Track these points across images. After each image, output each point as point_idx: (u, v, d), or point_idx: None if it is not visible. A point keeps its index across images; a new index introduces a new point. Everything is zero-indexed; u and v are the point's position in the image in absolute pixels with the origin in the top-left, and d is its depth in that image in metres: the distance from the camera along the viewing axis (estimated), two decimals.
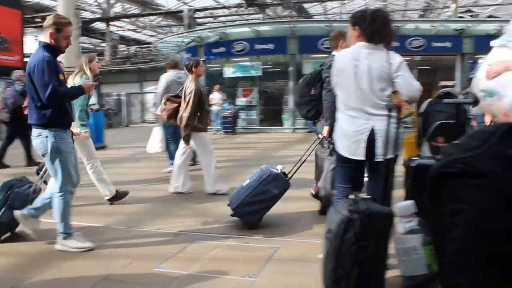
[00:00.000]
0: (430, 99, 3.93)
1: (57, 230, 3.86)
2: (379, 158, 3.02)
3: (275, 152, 11.07)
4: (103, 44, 34.68)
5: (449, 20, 19.98)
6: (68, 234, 3.84)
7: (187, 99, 5.87)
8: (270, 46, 17.64)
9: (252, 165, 7.80)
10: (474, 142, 1.13)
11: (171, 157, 7.33)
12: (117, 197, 5.51)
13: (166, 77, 7.86)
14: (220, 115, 17.40)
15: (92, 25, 31.30)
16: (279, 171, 4.50)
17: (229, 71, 18.98)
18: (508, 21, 4.19)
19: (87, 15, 29.71)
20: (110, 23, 31.08)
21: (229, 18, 32.64)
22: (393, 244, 1.34)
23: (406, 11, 33.29)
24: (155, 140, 7.92)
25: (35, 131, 3.80)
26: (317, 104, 4.75)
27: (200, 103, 5.91)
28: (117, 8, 31.18)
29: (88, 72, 5.38)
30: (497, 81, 3.43)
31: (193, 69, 6.06)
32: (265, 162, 8.12)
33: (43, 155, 3.84)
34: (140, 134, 17.46)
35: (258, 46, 17.80)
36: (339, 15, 29.78)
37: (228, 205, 4.48)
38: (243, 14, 30.92)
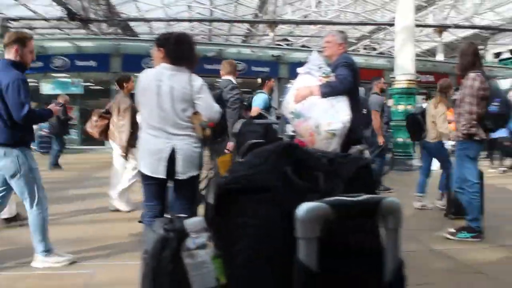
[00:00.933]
0: (244, 120, 4.17)
1: (35, 250, 3.81)
2: (180, 176, 3.16)
3: (96, 173, 10.56)
4: None
5: (268, 47, 21.52)
6: (48, 250, 3.81)
7: (123, 116, 5.69)
8: (93, 63, 16.93)
9: (72, 187, 7.41)
10: (257, 160, 1.22)
11: None
12: None
13: None
14: (36, 134, 16.04)
15: None
16: None
17: (47, 87, 17.67)
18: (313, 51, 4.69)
19: None
20: None
21: (48, 31, 30.55)
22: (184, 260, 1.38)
23: (229, 36, 34.97)
24: None
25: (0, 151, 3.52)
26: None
27: (134, 119, 5.66)
28: None
29: None
30: (303, 104, 3.80)
31: (125, 84, 5.88)
32: (87, 183, 7.81)
33: (12, 176, 3.62)
34: None
35: (79, 63, 16.95)
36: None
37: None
38: (65, 28, 29.22)
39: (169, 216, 2.84)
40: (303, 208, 0.98)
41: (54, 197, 5.89)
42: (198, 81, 3.26)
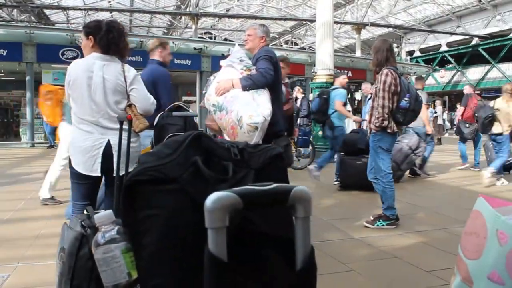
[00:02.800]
0: (162, 113, 4.08)
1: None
2: (116, 173, 2.95)
3: (10, 169, 9.95)
4: None
5: (190, 40, 21.29)
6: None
7: None
8: (3, 52, 15.86)
9: None
10: (166, 150, 1.20)
11: None
12: None
13: None
14: None
15: None
16: None
17: None
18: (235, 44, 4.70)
19: None
20: None
21: None
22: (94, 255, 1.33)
23: (150, 28, 34.26)
24: None
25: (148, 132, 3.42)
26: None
27: None
28: None
29: None
30: (225, 97, 3.78)
31: None
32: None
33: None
34: None
35: None
36: (82, 25, 28.79)
37: None
38: None
39: (86, 212, 2.69)
40: (211, 198, 0.97)
41: None
42: (131, 71, 3.10)
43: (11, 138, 17.40)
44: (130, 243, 1.24)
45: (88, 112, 2.98)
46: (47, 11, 28.81)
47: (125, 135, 2.91)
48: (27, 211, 5.64)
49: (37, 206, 5.85)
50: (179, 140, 1.20)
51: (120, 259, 1.24)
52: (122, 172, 2.94)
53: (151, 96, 3.26)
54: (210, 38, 32.06)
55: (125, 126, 2.93)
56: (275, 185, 1.08)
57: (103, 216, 1.32)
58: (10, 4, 24.61)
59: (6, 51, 15.80)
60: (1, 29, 17.09)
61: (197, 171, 1.13)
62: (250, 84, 3.65)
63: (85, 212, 2.76)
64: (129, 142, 2.91)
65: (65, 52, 15.60)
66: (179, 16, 30.36)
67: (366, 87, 10.31)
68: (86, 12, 26.96)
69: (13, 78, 17.83)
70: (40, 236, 4.50)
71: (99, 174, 3.01)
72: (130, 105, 3.08)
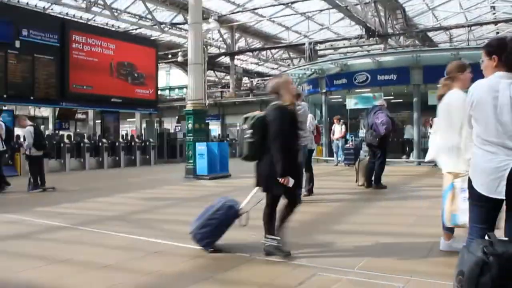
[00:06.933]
0: None
1: None
2: None
3: (399, 185, 10.71)
4: (228, 77, 36.65)
5: None
6: None
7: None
8: (393, 76, 17.36)
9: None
10: None
11: None
12: None
13: None
14: (341, 147, 17.52)
15: (217, 59, 33.35)
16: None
17: (351, 103, 18.94)
18: None
19: (213, 50, 31.70)
20: (234, 57, 32.83)
21: (349, 49, 32.83)
22: None
23: None
24: None
25: None
26: None
27: None
28: (241, 43, 32.87)
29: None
30: None
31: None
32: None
33: None
34: None
35: (380, 77, 17.60)
36: (465, 42, 28.47)
37: None
38: (364, 45, 30.88)
39: (489, 238, 2.66)
40: None
41: None
42: None
43: (399, 155, 18.63)
44: None
45: (493, 134, 2.88)
46: (430, 33, 29.81)
47: None
48: (419, 227, 5.95)
49: (428, 223, 5.99)
50: None
51: None
52: None
53: None
54: None
55: None
56: None
57: None
58: (397, 32, 26.70)
59: (395, 75, 17.23)
60: (391, 56, 18.73)
61: None
62: None
63: (486, 237, 2.71)
64: None
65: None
66: None
67: None
68: (469, 28, 26.61)
69: (401, 100, 19.21)
70: (432, 250, 4.67)
71: (503, 197, 2.84)
72: None
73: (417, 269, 4.08)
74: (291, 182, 4.39)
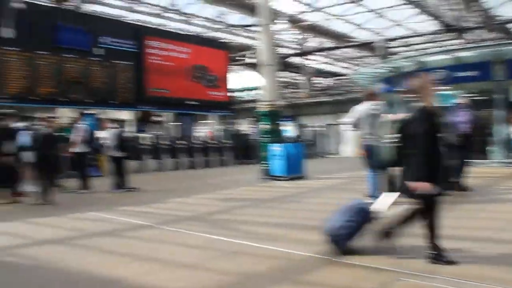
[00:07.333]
0: None
1: None
2: None
3: (484, 188, 10.18)
4: (299, 77, 36.56)
5: None
6: None
7: None
8: (473, 73, 16.50)
9: None
10: None
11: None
12: None
13: (359, 108, 8.06)
14: None
15: (288, 59, 33.35)
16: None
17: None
18: None
19: (283, 50, 31.75)
20: (305, 57, 32.73)
21: (423, 46, 31.64)
22: None
23: None
24: None
25: None
26: None
27: None
28: (312, 43, 32.69)
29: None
30: None
31: None
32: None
33: None
34: (337, 165, 17.86)
35: (459, 74, 16.81)
36: None
37: None
38: (439, 41, 29.72)
39: None
40: None
41: None
42: None
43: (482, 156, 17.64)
44: None
45: None
46: (508, 25, 28.14)
47: None
48: (509, 232, 5.71)
49: None
50: None
51: None
52: None
53: None
54: None
55: None
56: None
57: None
58: (476, 26, 25.40)
59: (476, 71, 16.31)
60: (470, 51, 17.75)
61: None
62: None
63: None
64: None
65: None
66: None
67: None
68: None
69: (482, 98, 18.25)
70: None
71: None
72: None
73: (506, 278, 3.85)
74: (431, 189, 4.15)
